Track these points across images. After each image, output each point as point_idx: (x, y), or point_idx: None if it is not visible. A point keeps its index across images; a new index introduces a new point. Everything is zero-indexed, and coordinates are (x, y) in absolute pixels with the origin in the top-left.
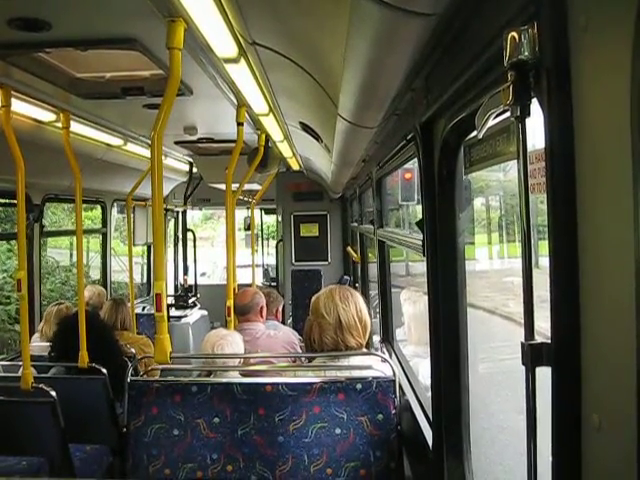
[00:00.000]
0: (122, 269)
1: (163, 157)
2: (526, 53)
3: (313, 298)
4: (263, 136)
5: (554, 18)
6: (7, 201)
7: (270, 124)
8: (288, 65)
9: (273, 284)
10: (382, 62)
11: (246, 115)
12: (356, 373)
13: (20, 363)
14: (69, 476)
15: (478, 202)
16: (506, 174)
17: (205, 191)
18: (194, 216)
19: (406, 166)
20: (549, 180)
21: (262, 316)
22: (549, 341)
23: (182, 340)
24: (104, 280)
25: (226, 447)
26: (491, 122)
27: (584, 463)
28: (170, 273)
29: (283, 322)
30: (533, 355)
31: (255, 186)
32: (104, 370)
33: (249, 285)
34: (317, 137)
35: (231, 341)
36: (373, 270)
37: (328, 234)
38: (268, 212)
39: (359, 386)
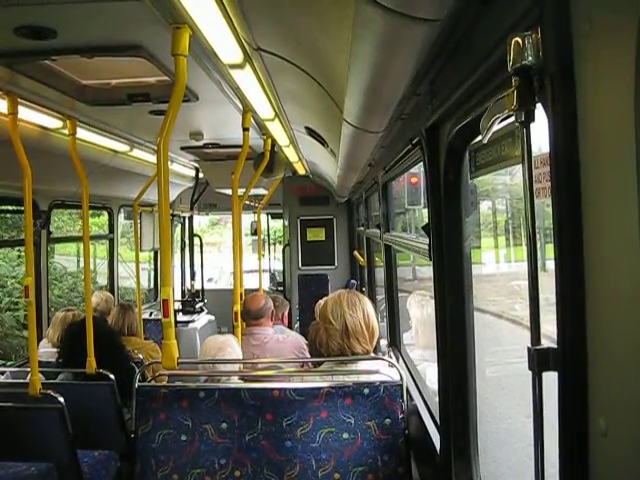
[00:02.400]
0: (129, 275)
1: (169, 163)
2: (530, 58)
3: (320, 302)
4: (269, 141)
5: (557, 23)
6: (14, 208)
7: (276, 129)
8: (293, 70)
9: (280, 289)
10: (387, 67)
11: (252, 120)
12: (363, 378)
13: (28, 369)
14: None
15: (485, 206)
16: (512, 177)
17: (211, 196)
18: (200, 222)
19: (412, 170)
20: (554, 184)
21: (272, 320)
22: (555, 346)
23: (189, 345)
24: (111, 286)
25: (234, 452)
26: (496, 127)
27: (591, 467)
28: (177, 278)
29: (290, 326)
30: (539, 360)
31: (261, 191)
32: (112, 376)
33: (256, 290)
34: (323, 142)
35: (230, 352)
36: (380, 274)
37: (335, 238)
38: (274, 217)
39: (366, 391)
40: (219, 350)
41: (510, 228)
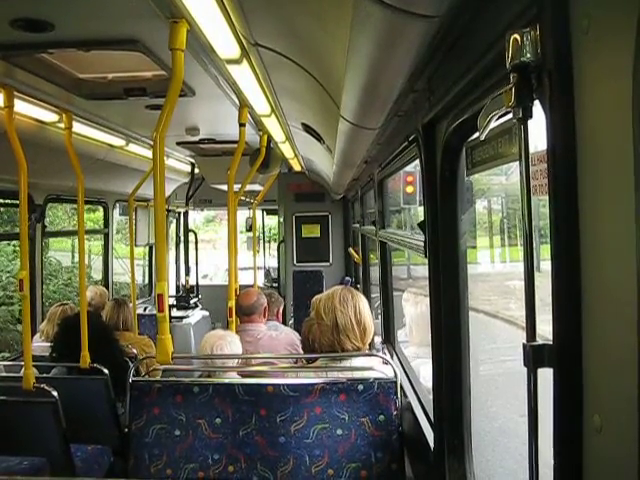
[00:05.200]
0: (124, 271)
1: (165, 158)
2: (528, 55)
3: (314, 299)
4: (265, 137)
5: (556, 20)
6: (10, 201)
7: (272, 125)
8: (290, 66)
9: (274, 285)
10: (384, 63)
11: (248, 116)
12: (358, 374)
13: (22, 363)
14: (70, 476)
15: (480, 206)
16: (508, 177)
17: (207, 192)
18: (196, 219)
19: (408, 169)
20: (551, 182)
21: (265, 317)
22: (551, 342)
23: (184, 340)
24: (106, 281)
25: (228, 447)
26: (493, 124)
27: (585, 465)
28: (172, 274)
29: (284, 323)
30: (535, 356)
31: (257, 187)
32: (105, 370)
33: (250, 286)
34: (319, 138)
35: (230, 341)
36: (375, 272)
37: (330, 235)
38: (270, 213)
39: (360, 387)
40: (219, 339)
41: (505, 228)
